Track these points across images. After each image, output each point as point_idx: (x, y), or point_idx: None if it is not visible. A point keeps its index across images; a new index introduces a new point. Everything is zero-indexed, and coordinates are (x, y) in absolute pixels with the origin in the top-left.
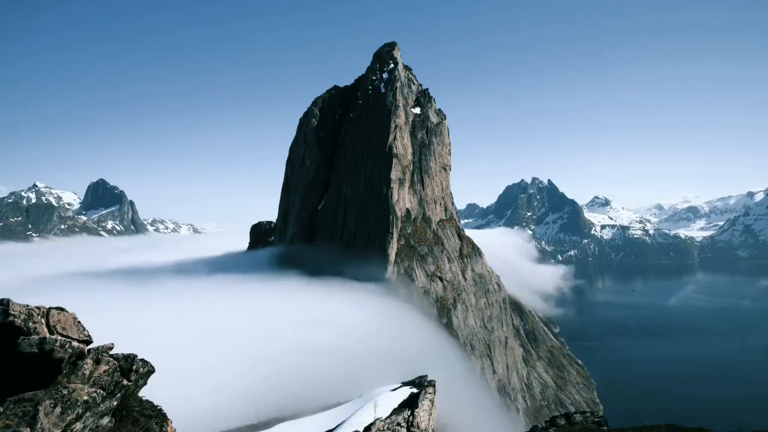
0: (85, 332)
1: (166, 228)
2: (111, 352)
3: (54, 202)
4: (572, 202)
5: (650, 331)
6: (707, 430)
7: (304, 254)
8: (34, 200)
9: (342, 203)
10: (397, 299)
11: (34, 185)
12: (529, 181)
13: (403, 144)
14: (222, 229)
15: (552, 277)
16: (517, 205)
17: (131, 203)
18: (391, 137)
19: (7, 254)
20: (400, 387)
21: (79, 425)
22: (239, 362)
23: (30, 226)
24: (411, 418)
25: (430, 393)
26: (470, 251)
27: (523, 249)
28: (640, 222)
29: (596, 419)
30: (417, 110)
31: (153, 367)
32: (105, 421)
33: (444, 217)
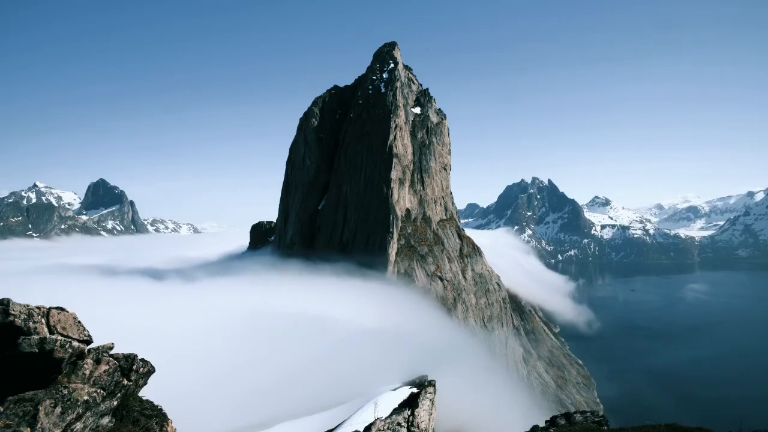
0: (86, 332)
1: (166, 228)
2: (111, 352)
3: (54, 202)
4: (572, 202)
5: (650, 331)
6: (707, 430)
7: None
8: (34, 200)
9: (342, 203)
10: (399, 291)
11: (35, 185)
12: (529, 180)
13: (403, 144)
14: (222, 228)
15: (552, 276)
16: (518, 204)
17: (131, 203)
18: (391, 137)
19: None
20: (400, 387)
21: (79, 425)
22: (239, 362)
23: (30, 226)
24: (411, 418)
25: (430, 393)
26: (470, 251)
27: (523, 249)
28: (640, 222)
29: (596, 419)
30: (417, 110)
31: (153, 367)
32: (105, 420)
33: (444, 217)
